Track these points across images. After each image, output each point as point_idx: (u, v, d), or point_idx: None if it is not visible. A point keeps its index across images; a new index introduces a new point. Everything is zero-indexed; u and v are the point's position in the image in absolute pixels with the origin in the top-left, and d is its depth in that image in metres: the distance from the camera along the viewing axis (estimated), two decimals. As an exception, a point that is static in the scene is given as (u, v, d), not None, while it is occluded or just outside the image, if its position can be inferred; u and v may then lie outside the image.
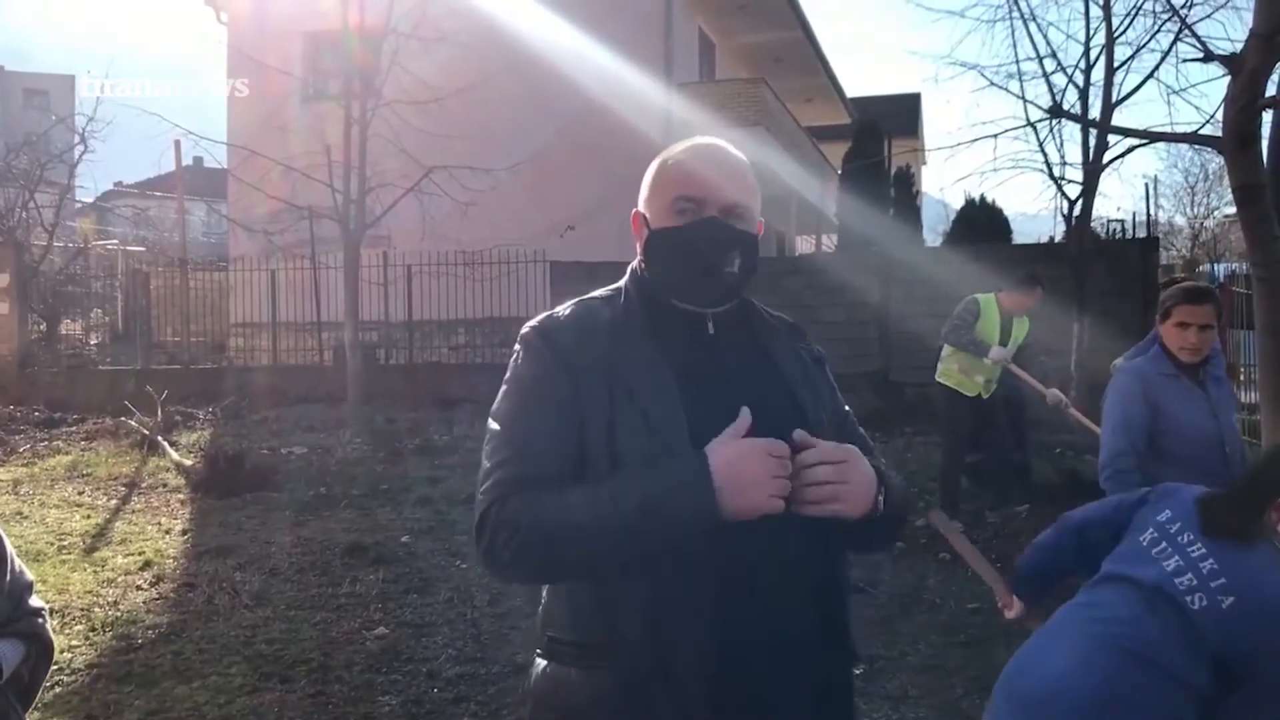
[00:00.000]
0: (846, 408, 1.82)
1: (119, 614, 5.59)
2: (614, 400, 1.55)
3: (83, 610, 5.64)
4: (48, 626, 1.90)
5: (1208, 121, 8.54)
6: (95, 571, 6.41)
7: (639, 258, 1.73)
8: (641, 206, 1.73)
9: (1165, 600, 2.19)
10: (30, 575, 1.82)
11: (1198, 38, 4.60)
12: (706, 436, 1.49)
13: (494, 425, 1.62)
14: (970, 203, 18.72)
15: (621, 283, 1.73)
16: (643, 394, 1.55)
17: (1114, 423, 3.59)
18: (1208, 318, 3.49)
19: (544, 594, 1.66)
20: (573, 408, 1.56)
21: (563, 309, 1.67)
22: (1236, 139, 3.94)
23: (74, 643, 5.13)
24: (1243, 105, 3.86)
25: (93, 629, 5.35)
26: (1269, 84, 4.15)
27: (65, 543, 7.12)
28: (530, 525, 1.48)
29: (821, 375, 1.77)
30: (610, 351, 1.58)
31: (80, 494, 8.80)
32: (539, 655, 1.64)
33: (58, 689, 4.54)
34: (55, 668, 4.64)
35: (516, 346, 1.66)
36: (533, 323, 1.66)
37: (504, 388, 1.65)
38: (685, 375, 1.58)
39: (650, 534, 1.44)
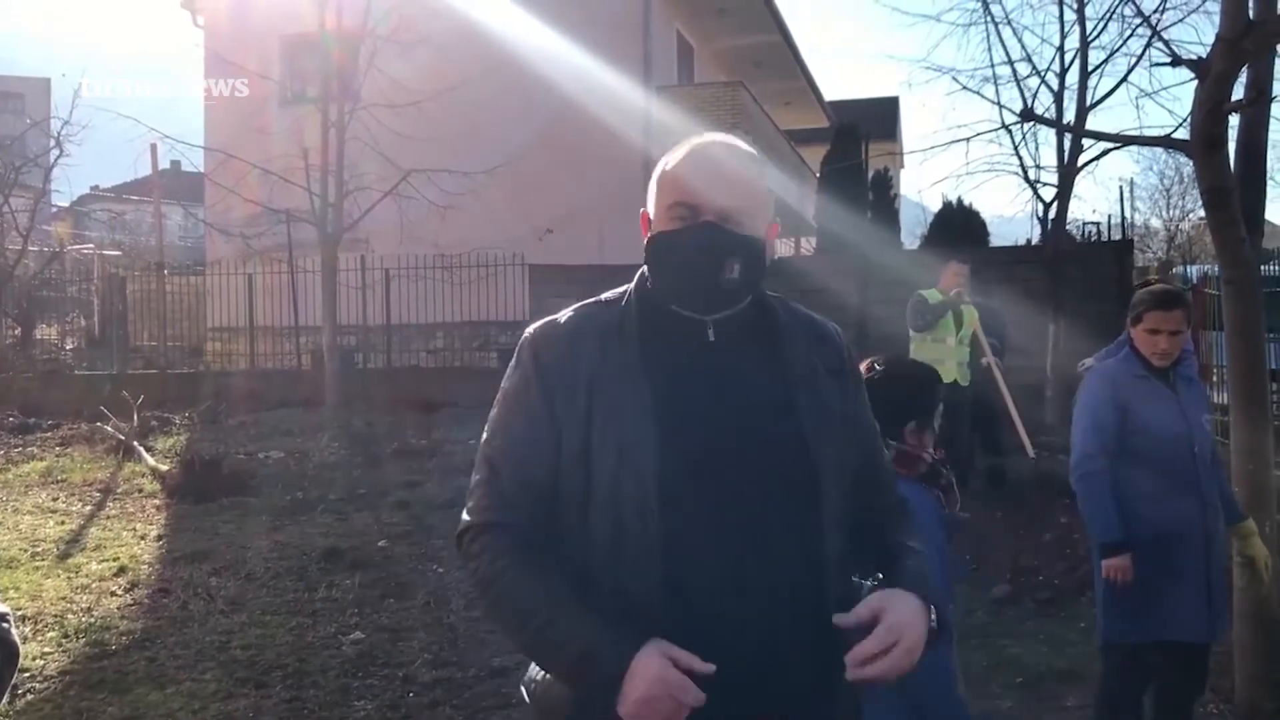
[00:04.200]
0: (875, 426, 1.79)
1: (92, 620, 5.56)
2: (591, 419, 1.57)
3: (56, 617, 5.60)
4: (12, 632, 1.89)
5: (1181, 124, 8.62)
6: (69, 578, 6.36)
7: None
8: (648, 206, 1.71)
9: None
10: (-6, 582, 1.81)
11: (1165, 43, 4.64)
12: (681, 456, 1.53)
13: (485, 434, 1.69)
14: (948, 205, 18.80)
15: (630, 285, 1.72)
16: (618, 418, 1.56)
17: (1084, 425, 3.62)
18: (1178, 324, 3.49)
19: None
20: (548, 425, 1.59)
21: (564, 314, 1.68)
22: (1204, 142, 3.96)
23: (46, 649, 5.10)
24: (1210, 109, 3.88)
25: (65, 635, 5.31)
26: (1237, 87, 4.18)
27: (39, 549, 7.07)
28: (488, 579, 1.59)
29: (837, 387, 1.69)
30: (596, 365, 1.59)
31: (54, 500, 8.74)
32: None
33: (29, 696, 4.51)
34: (27, 675, 4.62)
35: (516, 353, 1.70)
36: (530, 330, 1.68)
37: (498, 395, 1.70)
38: (673, 388, 1.58)
39: (560, 674, 1.57)
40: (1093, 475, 3.52)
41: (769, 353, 1.66)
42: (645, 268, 1.70)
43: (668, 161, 1.68)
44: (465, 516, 1.65)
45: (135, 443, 10.46)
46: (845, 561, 1.63)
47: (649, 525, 1.52)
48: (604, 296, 1.71)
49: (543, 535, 1.60)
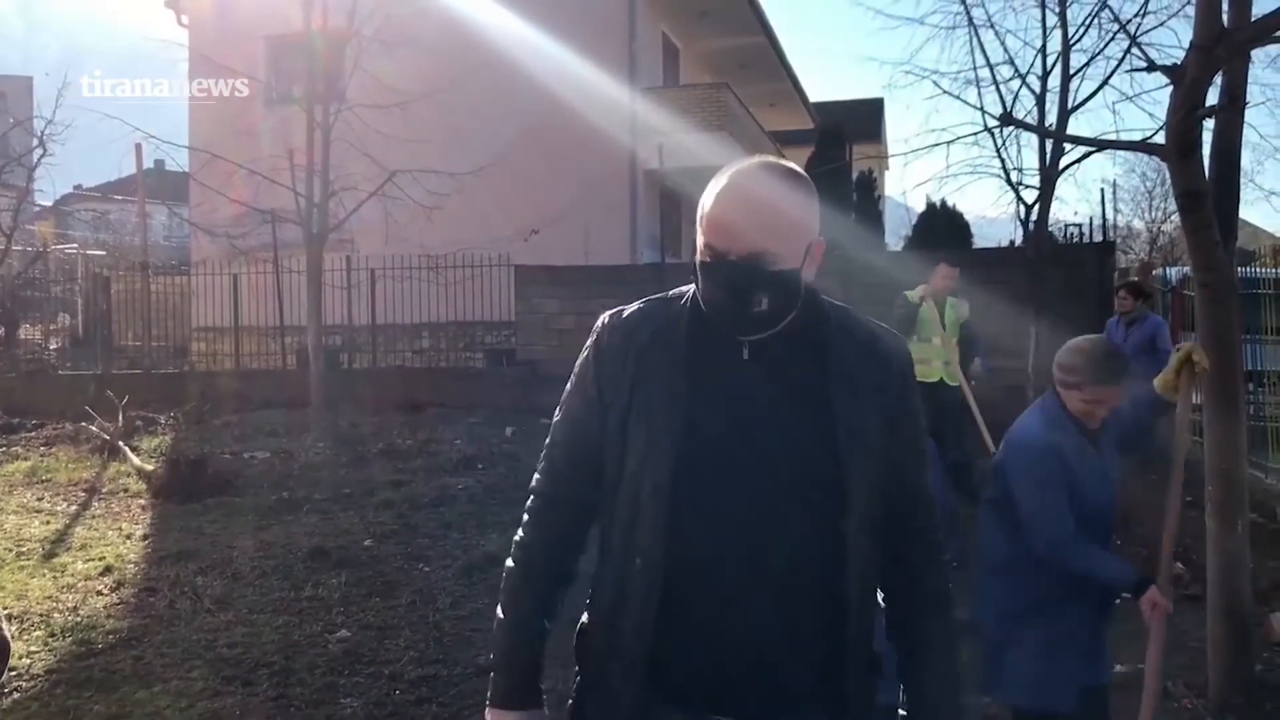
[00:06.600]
0: (920, 446, 1.76)
1: (78, 619, 5.57)
2: (632, 404, 1.69)
3: (42, 616, 5.61)
4: (4, 628, 1.93)
5: (1160, 129, 8.70)
6: (55, 577, 6.37)
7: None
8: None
9: None
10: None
11: (1142, 50, 4.71)
12: (704, 450, 1.63)
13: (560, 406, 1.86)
14: (931, 207, 18.94)
15: (692, 286, 1.77)
16: (653, 407, 1.67)
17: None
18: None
19: None
20: (598, 408, 1.74)
21: (632, 305, 1.81)
22: (1179, 147, 4.03)
23: (33, 648, 5.11)
24: (1184, 114, 3.96)
25: (52, 634, 5.32)
26: (1212, 93, 4.25)
27: (24, 549, 7.06)
28: (511, 560, 1.82)
29: (879, 401, 1.69)
30: (646, 356, 1.71)
31: (40, 500, 8.74)
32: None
33: (16, 695, 4.53)
34: (14, 673, 4.64)
35: (590, 335, 1.84)
36: (603, 317, 1.81)
37: (572, 372, 1.85)
38: (709, 388, 1.67)
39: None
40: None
41: (815, 361, 1.69)
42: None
43: (706, 195, 1.68)
44: (533, 481, 1.85)
45: (120, 442, 10.46)
46: (872, 578, 1.70)
47: (661, 510, 1.62)
48: (671, 293, 1.82)
49: (590, 506, 1.77)
